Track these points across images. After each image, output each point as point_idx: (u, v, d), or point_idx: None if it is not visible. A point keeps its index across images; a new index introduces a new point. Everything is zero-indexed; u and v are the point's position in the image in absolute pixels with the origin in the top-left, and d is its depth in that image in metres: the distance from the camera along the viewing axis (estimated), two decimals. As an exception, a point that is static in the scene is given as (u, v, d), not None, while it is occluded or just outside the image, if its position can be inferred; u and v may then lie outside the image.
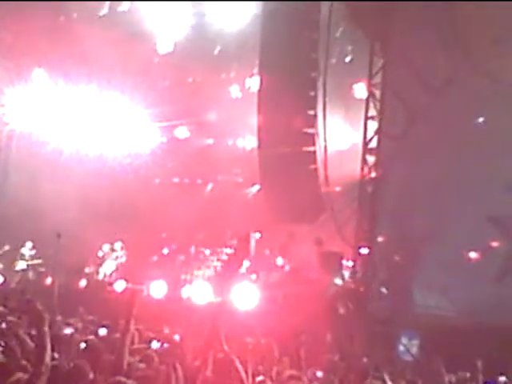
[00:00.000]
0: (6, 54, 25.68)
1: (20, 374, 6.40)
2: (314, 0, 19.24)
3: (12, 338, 8.57)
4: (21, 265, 23.28)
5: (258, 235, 22.30)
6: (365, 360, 11.85)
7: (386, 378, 8.09)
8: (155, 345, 10.62)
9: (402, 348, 16.94)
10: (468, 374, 10.17)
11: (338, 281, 18.46)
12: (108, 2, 24.01)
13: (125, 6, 23.97)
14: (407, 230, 18.94)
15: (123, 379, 7.09)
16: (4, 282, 22.96)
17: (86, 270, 23.49)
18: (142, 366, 8.96)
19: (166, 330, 12.37)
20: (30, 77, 25.65)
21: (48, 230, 22.92)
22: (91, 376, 6.99)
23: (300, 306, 17.31)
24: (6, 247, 24.81)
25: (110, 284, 21.96)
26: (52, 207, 23.84)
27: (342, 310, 17.48)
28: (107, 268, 23.08)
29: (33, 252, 23.61)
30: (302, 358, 10.39)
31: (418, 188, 18.22)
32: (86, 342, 10.06)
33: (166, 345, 10.32)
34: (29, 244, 23.49)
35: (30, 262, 23.28)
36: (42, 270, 22.97)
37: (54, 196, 24.53)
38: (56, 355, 8.05)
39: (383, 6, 18.48)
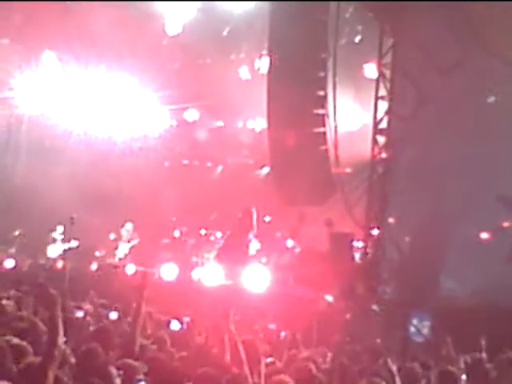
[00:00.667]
0: (15, 36, 25.67)
1: (32, 357, 6.40)
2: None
3: (24, 321, 8.61)
4: (54, 249, 23.16)
5: (267, 217, 22.35)
6: (378, 341, 11.82)
7: (390, 363, 8.06)
8: (174, 326, 10.67)
9: (413, 329, 16.93)
10: (484, 355, 10.13)
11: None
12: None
13: (133, -14, 23.87)
14: (417, 211, 18.91)
15: (129, 361, 7.10)
16: (16, 265, 23.05)
17: (97, 253, 23.54)
18: (154, 347, 8.99)
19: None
20: (39, 59, 25.65)
21: (58, 213, 23.04)
22: (103, 358, 6.99)
23: (310, 288, 17.32)
24: (17, 232, 24.90)
25: (122, 267, 22.02)
26: (62, 190, 23.88)
27: (359, 290, 17.46)
28: (121, 251, 23.10)
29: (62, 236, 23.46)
30: (314, 340, 10.41)
31: (428, 169, 18.16)
32: (97, 325, 10.11)
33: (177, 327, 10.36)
34: (60, 228, 23.38)
35: (67, 246, 23.19)
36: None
37: (64, 179, 24.57)
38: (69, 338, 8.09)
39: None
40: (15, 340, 6.79)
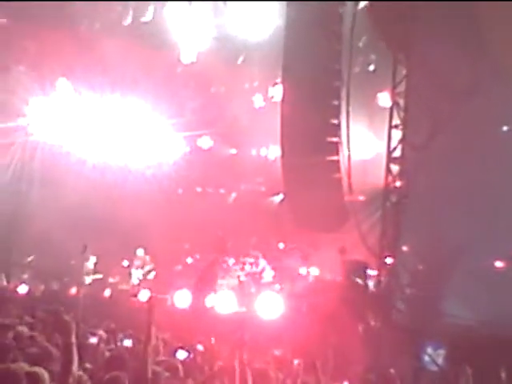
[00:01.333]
0: (30, 63, 25.87)
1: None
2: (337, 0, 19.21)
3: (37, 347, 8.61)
4: (86, 280, 23.23)
5: (281, 244, 22.34)
6: (392, 371, 11.75)
7: None
8: (181, 355, 10.64)
9: (427, 358, 16.83)
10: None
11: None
12: (131, 13, 24.09)
13: (148, 16, 24.05)
14: (431, 240, 18.85)
15: None
16: (29, 291, 23.11)
17: (110, 279, 23.55)
18: (167, 375, 8.97)
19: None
20: (53, 86, 25.82)
21: (71, 240, 23.10)
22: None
23: (325, 316, 17.26)
24: (30, 257, 24.98)
25: (135, 294, 22.03)
26: (75, 217, 23.96)
27: (372, 321, 17.40)
28: (135, 277, 23.11)
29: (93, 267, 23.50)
30: (329, 370, 10.35)
31: (442, 197, 18.12)
32: (110, 351, 10.10)
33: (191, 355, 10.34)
34: (93, 259, 23.42)
35: (92, 277, 23.25)
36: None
37: (78, 206, 24.65)
38: (88, 365, 8.10)
39: (405, 16, 18.45)
40: (30, 367, 6.79)
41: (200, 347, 11.11)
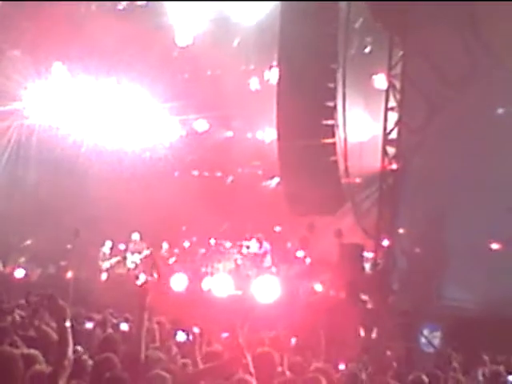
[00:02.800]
0: (25, 47, 25.79)
1: (42, 366, 6.41)
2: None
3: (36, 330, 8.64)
4: (104, 265, 23.26)
5: (277, 228, 22.37)
6: (388, 353, 11.80)
7: None
8: (180, 337, 10.67)
9: (423, 340, 16.90)
10: (502, 368, 10.13)
11: None
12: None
13: (143, -1, 24.02)
14: (428, 222, 18.88)
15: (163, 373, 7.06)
16: (25, 275, 23.13)
17: (107, 263, 23.55)
18: (164, 357, 8.98)
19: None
20: (49, 70, 25.76)
21: (67, 223, 23.10)
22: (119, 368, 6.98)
23: (321, 299, 17.32)
24: (28, 241, 24.99)
25: (131, 277, 22.06)
26: (71, 201, 23.97)
27: (368, 303, 17.46)
28: (131, 261, 23.11)
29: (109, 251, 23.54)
30: (324, 351, 10.37)
31: (439, 180, 18.14)
32: (103, 334, 10.13)
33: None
34: (108, 243, 23.44)
35: (111, 261, 23.29)
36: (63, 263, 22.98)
37: (74, 190, 24.66)
38: (79, 348, 8.11)
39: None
40: (27, 349, 6.81)
41: (196, 330, 11.11)
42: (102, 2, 24.72)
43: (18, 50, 26.03)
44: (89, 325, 11.88)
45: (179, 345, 10.26)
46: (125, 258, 23.21)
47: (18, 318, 9.83)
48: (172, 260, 22.64)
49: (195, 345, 8.51)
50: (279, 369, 8.08)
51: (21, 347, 7.08)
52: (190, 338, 10.17)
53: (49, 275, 23.28)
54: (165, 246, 23.16)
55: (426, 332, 16.99)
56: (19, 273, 23.27)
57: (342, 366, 11.13)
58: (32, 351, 6.80)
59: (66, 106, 26.05)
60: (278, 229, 22.68)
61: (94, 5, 24.82)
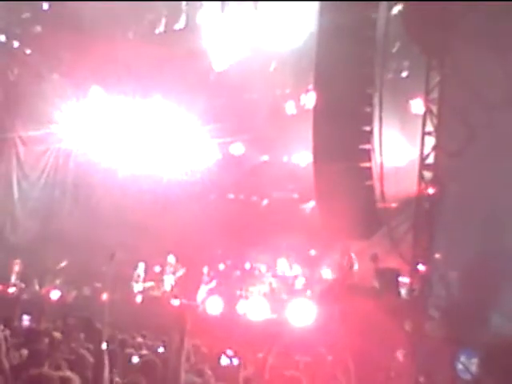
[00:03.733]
0: (65, 72, 26.10)
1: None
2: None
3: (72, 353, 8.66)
4: (137, 287, 23.41)
5: (313, 251, 22.29)
6: (421, 379, 11.68)
7: None
8: (224, 361, 10.67)
9: (460, 366, 16.69)
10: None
11: None
12: (164, 21, 24.20)
13: (181, 23, 24.14)
14: (465, 247, 18.70)
15: None
16: (61, 297, 23.27)
17: (142, 285, 23.63)
18: (199, 381, 8.97)
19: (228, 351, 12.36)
20: (87, 94, 26.03)
21: (102, 246, 23.23)
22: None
23: (357, 323, 17.19)
24: (63, 263, 25.15)
25: (167, 299, 22.09)
26: (108, 223, 24.10)
27: (404, 328, 17.29)
28: (167, 283, 23.17)
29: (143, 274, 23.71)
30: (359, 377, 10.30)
31: (476, 205, 17.98)
32: (141, 357, 10.12)
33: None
34: (141, 265, 23.59)
35: (144, 285, 23.43)
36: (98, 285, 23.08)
37: (110, 211, 24.81)
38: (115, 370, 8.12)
39: (440, 21, 18.34)
40: (64, 372, 6.82)
41: (230, 353, 11.10)
42: (138, 27, 24.92)
43: (56, 74, 26.34)
44: (124, 346, 11.90)
45: (213, 368, 10.23)
46: (161, 281, 23.27)
47: (54, 339, 9.86)
48: (212, 284, 22.65)
49: (239, 369, 8.48)
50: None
51: (59, 369, 7.09)
52: (233, 362, 10.18)
53: (84, 297, 23.41)
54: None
55: (462, 358, 16.78)
56: (55, 294, 23.43)
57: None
58: (69, 373, 6.81)
59: (102, 130, 26.28)
60: (312, 252, 22.61)
61: (132, 30, 25.05)
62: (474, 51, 17.31)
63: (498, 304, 17.59)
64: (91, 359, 7.52)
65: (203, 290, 22.03)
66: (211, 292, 21.29)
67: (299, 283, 21.30)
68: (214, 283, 22.50)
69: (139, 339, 13.26)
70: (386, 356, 15.97)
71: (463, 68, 17.80)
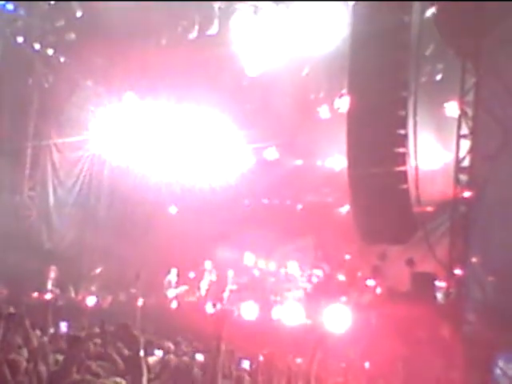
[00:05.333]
0: (99, 78, 26.26)
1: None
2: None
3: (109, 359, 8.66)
4: (170, 293, 23.51)
5: (348, 256, 22.19)
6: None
7: None
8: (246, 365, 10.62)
9: (498, 371, 16.52)
10: None
11: None
12: (197, 27, 24.24)
13: (214, 29, 24.17)
14: (501, 251, 18.53)
15: None
16: (97, 303, 23.38)
17: (176, 290, 23.67)
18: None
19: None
20: (121, 100, 26.17)
21: (137, 251, 23.34)
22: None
23: (394, 329, 17.10)
24: (99, 269, 25.28)
25: (202, 305, 22.11)
26: (142, 229, 24.20)
27: (441, 333, 17.17)
28: (203, 289, 23.19)
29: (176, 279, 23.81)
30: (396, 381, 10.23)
31: (512, 208, 17.83)
32: (178, 363, 10.12)
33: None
34: (174, 270, 23.70)
35: (177, 290, 23.52)
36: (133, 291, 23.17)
37: (145, 219, 24.91)
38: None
39: (474, 23, 18.22)
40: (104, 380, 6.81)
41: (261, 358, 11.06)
42: (171, 33, 24.98)
43: (90, 81, 26.51)
44: (158, 352, 11.91)
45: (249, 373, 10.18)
46: (197, 286, 23.30)
47: (92, 346, 9.88)
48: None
49: (257, 374, 8.42)
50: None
51: (98, 376, 7.08)
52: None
53: (119, 303, 23.50)
54: (230, 273, 23.16)
55: (501, 363, 16.62)
56: (90, 300, 23.55)
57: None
58: (118, 380, 6.79)
59: (136, 136, 26.40)
60: (348, 257, 22.51)
61: (164, 36, 25.13)
62: (509, 53, 17.17)
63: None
64: (121, 367, 7.54)
65: (234, 295, 22.07)
66: (245, 297, 21.26)
67: (333, 288, 21.20)
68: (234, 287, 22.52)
69: (170, 345, 13.24)
70: (425, 362, 15.84)
71: (498, 70, 17.67)
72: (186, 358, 10.85)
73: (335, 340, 16.51)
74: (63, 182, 27.40)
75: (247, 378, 9.59)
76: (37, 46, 26.30)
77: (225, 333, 7.21)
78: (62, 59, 26.65)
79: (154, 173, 26.24)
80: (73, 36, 25.57)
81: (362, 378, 9.07)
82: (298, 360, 9.58)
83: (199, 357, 11.71)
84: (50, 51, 26.57)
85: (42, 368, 7.82)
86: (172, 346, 13.19)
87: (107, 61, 25.21)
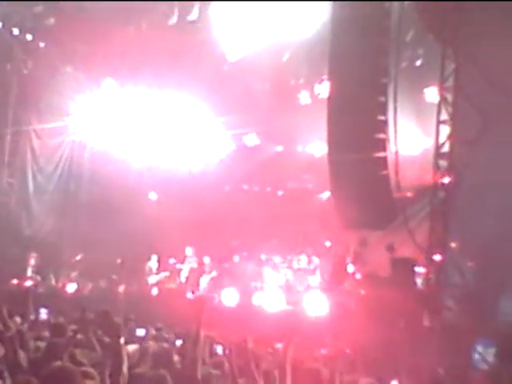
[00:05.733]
0: (78, 64, 26.11)
1: (90, 382, 6.38)
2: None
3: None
4: (151, 279, 23.49)
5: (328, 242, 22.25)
6: (440, 371, 11.63)
7: None
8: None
9: (477, 356, 16.62)
10: None
11: None
12: (177, 12, 24.15)
13: (194, 15, 24.09)
14: (481, 236, 18.62)
15: None
16: (77, 290, 23.34)
17: (157, 277, 23.67)
18: (217, 372, 8.95)
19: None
20: (101, 86, 26.04)
21: (118, 238, 23.27)
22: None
23: (372, 313, 17.16)
24: (79, 256, 25.21)
25: (182, 292, 22.11)
26: (122, 214, 24.13)
27: (420, 318, 17.25)
28: (183, 275, 23.20)
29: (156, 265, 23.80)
30: (375, 367, 10.28)
31: (492, 193, 17.90)
32: (157, 350, 10.11)
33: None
34: (154, 257, 23.68)
35: (158, 277, 23.51)
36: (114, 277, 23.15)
37: (124, 203, 24.83)
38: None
39: (454, 9, 18.25)
40: (85, 367, 6.80)
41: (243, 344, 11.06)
42: (151, 19, 24.86)
43: (70, 66, 26.35)
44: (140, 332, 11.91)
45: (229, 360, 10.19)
46: (177, 273, 23.31)
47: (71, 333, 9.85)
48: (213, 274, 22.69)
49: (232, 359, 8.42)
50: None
51: (79, 364, 7.07)
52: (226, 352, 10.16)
53: (100, 289, 23.47)
54: (207, 260, 23.18)
55: (480, 348, 16.71)
56: (71, 287, 23.51)
57: (394, 383, 11.02)
58: (89, 369, 6.79)
59: (117, 122, 26.30)
60: (328, 243, 22.56)
61: (144, 22, 25.00)
62: (489, 39, 17.18)
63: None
64: (99, 351, 7.53)
65: (215, 282, 22.08)
66: (227, 284, 21.27)
67: (314, 274, 21.28)
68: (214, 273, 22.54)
69: (153, 331, 13.26)
70: (404, 347, 15.92)
71: (478, 56, 17.69)
72: (165, 345, 10.85)
73: (314, 325, 16.57)
74: (43, 168, 27.25)
75: (227, 364, 9.60)
76: (15, 32, 26.09)
77: (204, 319, 7.22)
78: (41, 45, 26.46)
79: (134, 159, 26.17)
80: (52, 21, 25.38)
81: (341, 363, 9.08)
82: (278, 345, 9.57)
83: (179, 343, 11.73)
84: (29, 36, 26.37)
85: (22, 355, 7.81)
86: (153, 332, 13.22)
87: (87, 46, 25.03)
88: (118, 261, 22.96)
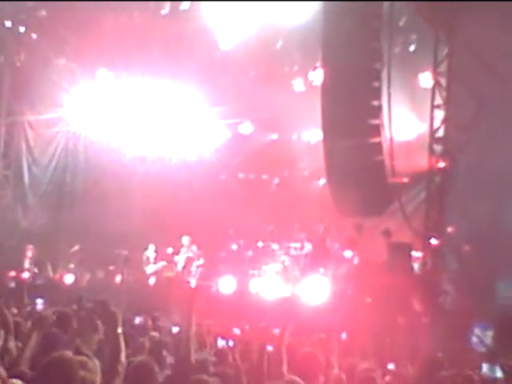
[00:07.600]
0: (71, 55, 26.06)
1: (82, 373, 6.35)
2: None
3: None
4: (149, 269, 23.51)
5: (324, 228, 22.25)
6: (439, 354, 11.65)
7: None
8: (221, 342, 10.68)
9: (475, 339, 16.69)
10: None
11: None
12: (169, 2, 24.12)
13: (186, 4, 24.05)
14: (477, 220, 18.65)
15: (205, 377, 7.03)
16: (75, 280, 23.38)
17: (154, 266, 23.69)
18: (214, 359, 8.99)
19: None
20: (94, 77, 26.00)
21: (115, 227, 23.27)
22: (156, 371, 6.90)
23: (371, 299, 17.21)
24: (76, 247, 25.22)
25: (180, 280, 22.15)
26: (119, 205, 24.13)
27: (418, 303, 17.30)
28: (181, 264, 23.21)
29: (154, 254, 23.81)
30: (372, 351, 10.31)
31: (487, 176, 17.91)
32: (150, 338, 10.16)
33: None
34: (152, 247, 23.69)
35: (155, 266, 23.52)
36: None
37: (121, 194, 24.82)
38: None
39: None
40: (83, 357, 6.79)
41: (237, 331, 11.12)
42: (144, 9, 24.80)
43: (63, 58, 26.30)
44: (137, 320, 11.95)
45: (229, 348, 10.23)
46: (174, 262, 23.32)
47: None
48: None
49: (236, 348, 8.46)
50: (335, 371, 8.05)
51: (78, 353, 7.06)
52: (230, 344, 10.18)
53: (98, 280, 23.50)
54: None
55: (477, 331, 16.78)
56: (69, 278, 23.54)
57: (391, 366, 11.07)
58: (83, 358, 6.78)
59: (111, 112, 26.26)
60: (321, 229, 22.56)
61: (137, 12, 24.95)
62: (483, 22, 17.16)
63: (509, 276, 17.57)
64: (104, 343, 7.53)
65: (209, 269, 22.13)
66: (224, 271, 21.30)
67: (311, 260, 21.28)
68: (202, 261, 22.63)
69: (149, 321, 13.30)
70: (401, 332, 15.98)
71: (472, 40, 17.69)
72: (157, 334, 10.90)
73: (311, 311, 16.61)
74: (38, 159, 27.18)
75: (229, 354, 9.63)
76: (8, 24, 26.00)
77: (196, 306, 7.22)
78: (33, 36, 26.38)
79: (129, 148, 26.14)
80: (44, 13, 25.32)
81: (337, 348, 9.11)
82: (275, 331, 9.60)
83: (175, 330, 11.77)
84: (22, 28, 26.28)
85: (15, 345, 7.80)
86: (150, 322, 13.26)
87: (79, 37, 24.97)
88: (116, 252, 23.04)
